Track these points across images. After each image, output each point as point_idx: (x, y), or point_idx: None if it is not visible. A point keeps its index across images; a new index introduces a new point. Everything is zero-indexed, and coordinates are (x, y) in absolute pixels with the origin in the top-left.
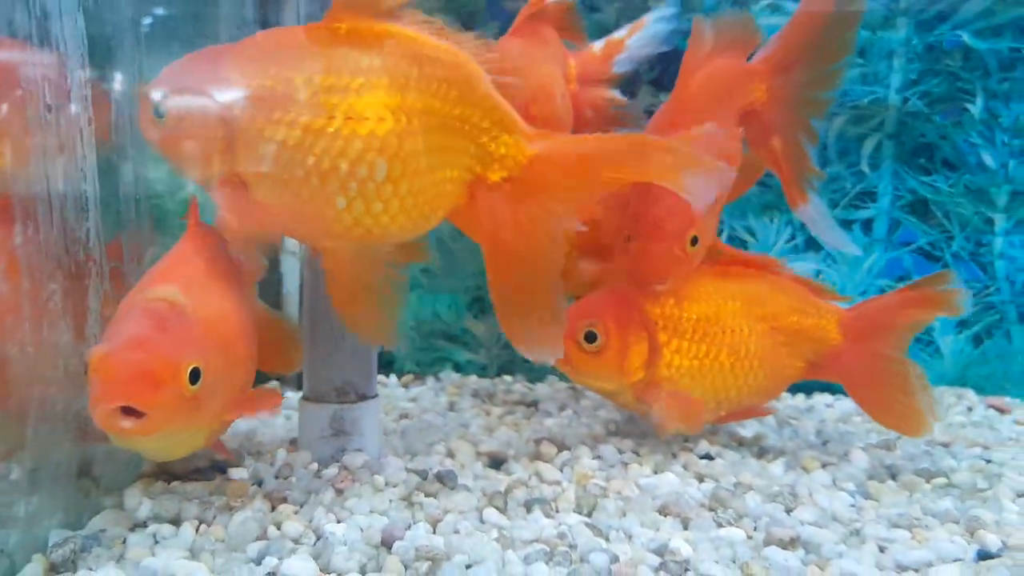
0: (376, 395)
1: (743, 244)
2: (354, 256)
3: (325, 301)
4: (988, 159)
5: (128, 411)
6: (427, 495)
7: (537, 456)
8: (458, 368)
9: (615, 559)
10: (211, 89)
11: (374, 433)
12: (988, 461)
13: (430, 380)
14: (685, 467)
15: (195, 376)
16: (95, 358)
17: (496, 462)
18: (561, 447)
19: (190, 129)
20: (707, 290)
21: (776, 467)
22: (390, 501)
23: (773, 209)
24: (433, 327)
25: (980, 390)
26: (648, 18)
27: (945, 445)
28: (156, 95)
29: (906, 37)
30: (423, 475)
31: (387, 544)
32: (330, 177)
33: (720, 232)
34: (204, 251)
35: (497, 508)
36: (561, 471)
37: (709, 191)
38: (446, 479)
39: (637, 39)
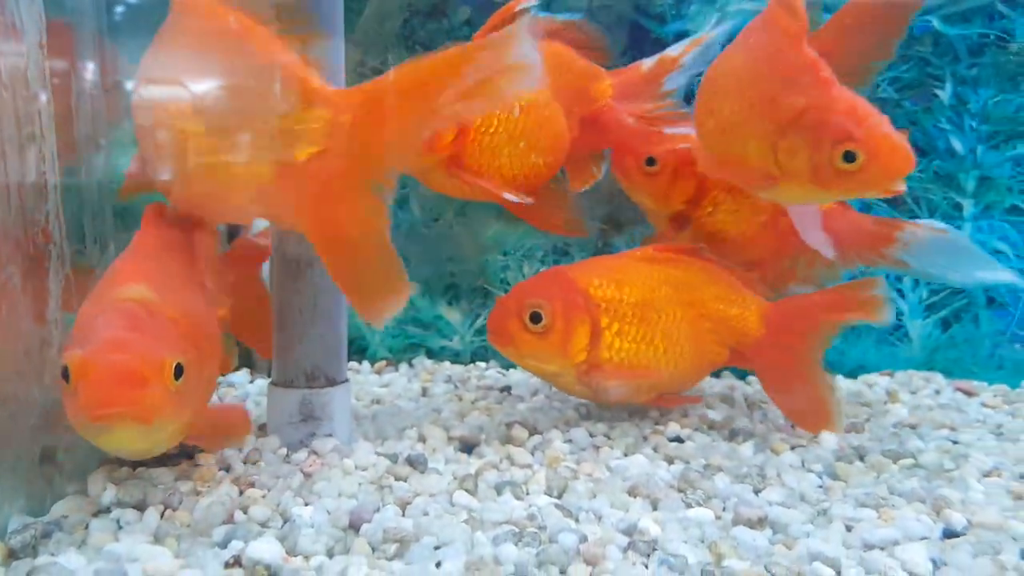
0: (346, 380)
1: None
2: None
3: (294, 284)
4: (957, 145)
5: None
6: (397, 478)
7: (508, 440)
8: (431, 355)
9: (584, 539)
10: None
11: (344, 418)
12: (955, 442)
13: (403, 367)
14: (655, 449)
15: (179, 372)
16: (75, 363)
17: (468, 446)
18: (533, 431)
19: None
20: (642, 275)
21: (746, 449)
22: (359, 484)
23: None
24: (406, 314)
25: (948, 374)
26: (710, 35)
27: (913, 427)
28: None
29: None
30: (393, 459)
31: (355, 527)
32: None
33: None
34: (165, 243)
35: (467, 491)
36: (532, 454)
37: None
38: (416, 463)
39: (694, 56)
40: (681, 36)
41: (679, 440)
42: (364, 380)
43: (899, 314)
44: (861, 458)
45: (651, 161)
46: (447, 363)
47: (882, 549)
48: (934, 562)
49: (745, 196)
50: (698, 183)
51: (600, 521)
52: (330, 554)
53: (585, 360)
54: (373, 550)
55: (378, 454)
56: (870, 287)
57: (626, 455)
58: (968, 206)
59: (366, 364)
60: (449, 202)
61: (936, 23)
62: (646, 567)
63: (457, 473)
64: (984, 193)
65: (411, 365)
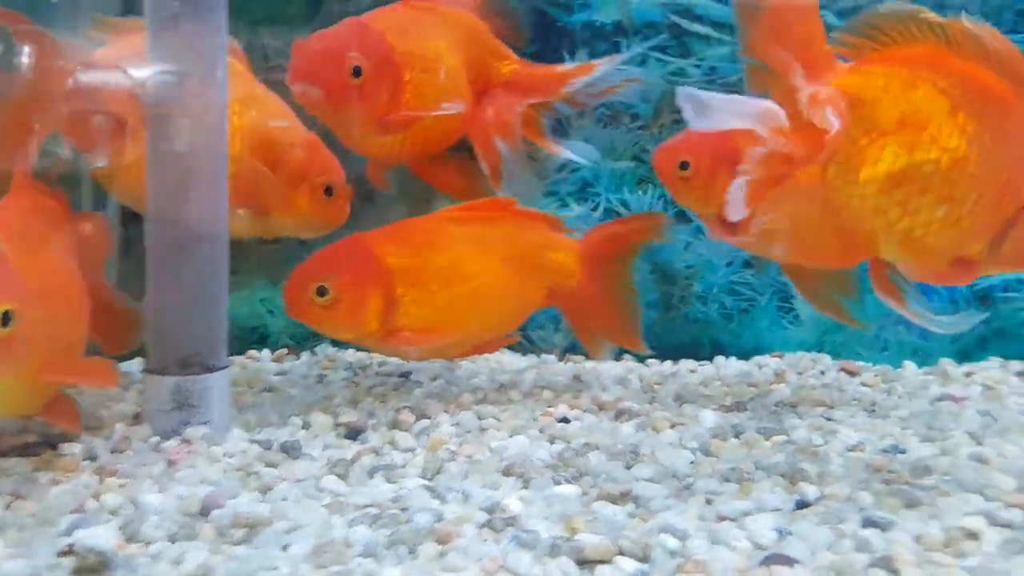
0: (226, 366)
1: (618, 216)
2: None
3: (168, 269)
4: None
5: None
6: (267, 465)
7: (396, 425)
8: (335, 343)
9: (440, 518)
10: None
11: (222, 405)
12: (829, 419)
13: (305, 354)
14: (541, 431)
15: (6, 319)
16: None
17: (354, 432)
18: (422, 416)
19: None
20: (445, 237)
21: (627, 428)
22: (224, 472)
23: (646, 182)
24: None
25: (836, 355)
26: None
27: (793, 406)
28: None
29: None
30: (267, 446)
31: (205, 513)
32: None
33: (596, 205)
34: (29, 207)
35: (338, 475)
36: (417, 438)
37: None
38: (291, 449)
39: (605, 71)
40: (588, 26)
41: (566, 421)
42: (263, 368)
43: (791, 298)
44: (737, 435)
45: (684, 165)
46: (351, 350)
47: (733, 520)
48: (779, 532)
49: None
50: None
51: (467, 501)
52: (172, 540)
53: (379, 328)
54: (220, 535)
55: (252, 441)
56: (656, 215)
57: (511, 436)
58: None
59: (266, 352)
60: (356, 187)
61: (831, 17)
62: (497, 543)
63: (332, 458)
64: None
65: (313, 353)
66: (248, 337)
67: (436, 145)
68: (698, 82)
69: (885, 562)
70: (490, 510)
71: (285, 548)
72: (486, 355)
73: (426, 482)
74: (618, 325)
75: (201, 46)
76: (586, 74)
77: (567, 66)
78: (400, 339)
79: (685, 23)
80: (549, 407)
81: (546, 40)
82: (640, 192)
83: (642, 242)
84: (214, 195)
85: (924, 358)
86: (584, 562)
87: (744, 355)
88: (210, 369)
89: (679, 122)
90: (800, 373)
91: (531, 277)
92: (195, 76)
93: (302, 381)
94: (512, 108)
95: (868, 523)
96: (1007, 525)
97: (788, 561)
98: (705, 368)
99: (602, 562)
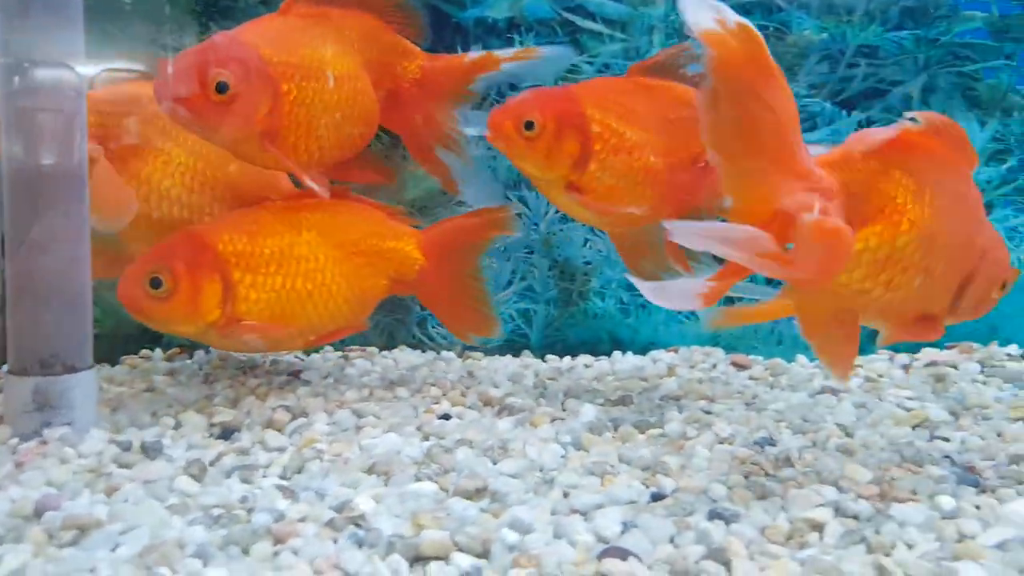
0: (90, 366)
1: (518, 215)
2: None
3: (26, 266)
4: None
5: None
6: (121, 466)
7: (269, 424)
8: None
9: (282, 517)
10: None
11: (86, 406)
12: (708, 412)
13: (199, 353)
14: (419, 428)
15: None
16: None
17: (227, 432)
18: (300, 414)
19: None
20: (280, 224)
21: (506, 423)
22: (73, 473)
23: None
24: None
25: (731, 349)
26: (540, 51)
27: (676, 399)
28: None
29: (665, 13)
30: (126, 447)
31: (38, 515)
32: None
33: None
34: None
35: (192, 476)
36: (290, 437)
37: None
38: (150, 450)
39: (515, 65)
40: (480, 22)
41: (447, 417)
42: (151, 367)
43: None
44: (615, 429)
45: (529, 125)
46: None
47: (583, 514)
48: (625, 525)
49: (633, 153)
50: (582, 144)
51: (319, 500)
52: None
53: (221, 316)
54: (50, 537)
55: (112, 442)
56: (503, 209)
57: (384, 434)
58: None
59: (159, 352)
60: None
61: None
62: (335, 542)
63: (191, 459)
64: None
65: (207, 352)
66: (143, 337)
67: (346, 153)
68: (591, 78)
69: (718, 554)
70: (339, 509)
71: (114, 550)
72: (384, 352)
73: (283, 482)
74: (467, 314)
75: (54, 38)
76: (492, 65)
77: (472, 55)
78: (242, 328)
79: (578, 20)
80: (435, 404)
81: (439, 36)
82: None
83: (488, 236)
84: (71, 194)
85: None
86: (419, 559)
87: (642, 350)
88: (72, 370)
89: None
90: (692, 367)
91: (369, 264)
92: (48, 68)
93: (187, 380)
94: (436, 112)
95: (714, 516)
96: (854, 516)
97: (623, 554)
98: (601, 363)
99: (437, 559)
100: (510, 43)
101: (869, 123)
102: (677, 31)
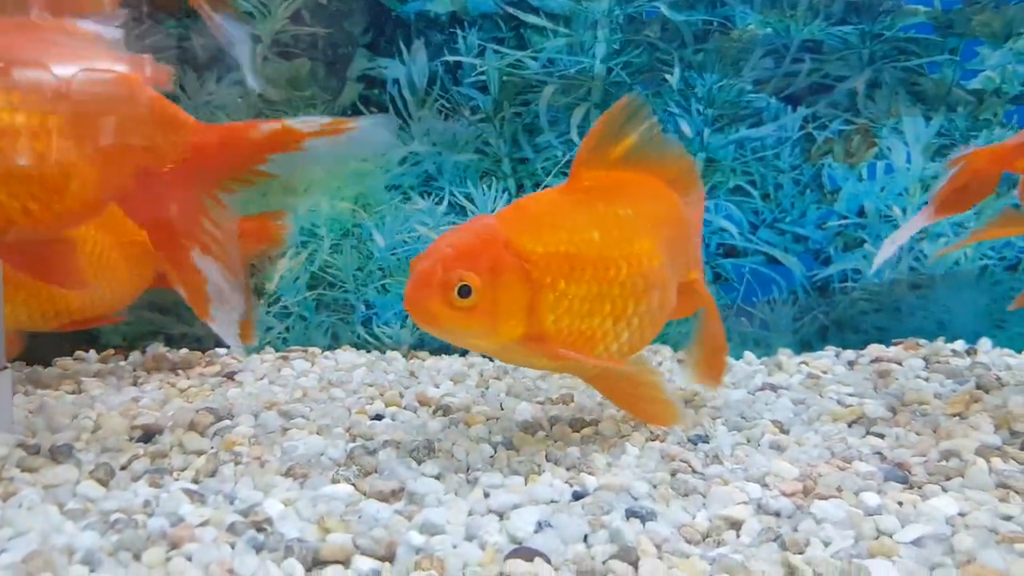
0: (5, 367)
1: (462, 210)
2: None
3: None
4: (685, 128)
5: None
6: (24, 470)
7: (192, 426)
8: (171, 341)
9: (178, 521)
10: None
11: (1, 408)
12: None
13: (135, 354)
14: (348, 429)
15: None
16: None
17: (148, 435)
18: (225, 417)
19: None
20: None
21: (437, 423)
22: None
23: (490, 176)
24: (144, 299)
25: (677, 346)
26: (356, 123)
27: None
28: None
29: (608, 8)
30: (34, 450)
31: None
32: None
33: (440, 199)
34: None
35: (98, 480)
36: (211, 440)
37: None
38: (59, 454)
39: (324, 143)
40: (422, 16)
41: (379, 418)
42: (82, 368)
43: None
44: (552, 427)
45: (464, 291)
46: (185, 350)
47: (500, 514)
48: (539, 524)
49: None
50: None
51: (231, 504)
52: None
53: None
54: None
55: (20, 446)
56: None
57: (310, 436)
58: None
59: (93, 352)
60: None
61: (664, 9)
62: (232, 546)
63: (101, 462)
64: (710, 174)
65: (143, 352)
66: (78, 337)
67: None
68: (536, 74)
69: (626, 554)
70: (245, 513)
71: None
72: (326, 353)
73: (192, 486)
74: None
75: None
76: (291, 143)
77: (265, 127)
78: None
79: (521, 14)
80: (369, 404)
81: (381, 32)
82: (484, 186)
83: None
84: None
85: (765, 349)
86: (316, 563)
87: None
88: None
89: (519, 114)
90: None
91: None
92: None
93: (118, 382)
94: (195, 206)
95: (631, 514)
96: (775, 513)
97: (529, 555)
98: None
99: (336, 563)
100: (452, 38)
101: (815, 119)
102: (620, 26)
